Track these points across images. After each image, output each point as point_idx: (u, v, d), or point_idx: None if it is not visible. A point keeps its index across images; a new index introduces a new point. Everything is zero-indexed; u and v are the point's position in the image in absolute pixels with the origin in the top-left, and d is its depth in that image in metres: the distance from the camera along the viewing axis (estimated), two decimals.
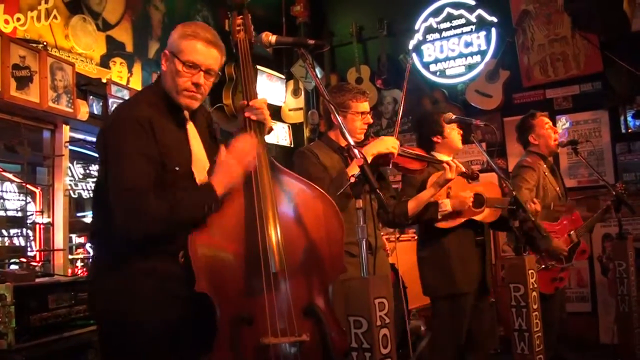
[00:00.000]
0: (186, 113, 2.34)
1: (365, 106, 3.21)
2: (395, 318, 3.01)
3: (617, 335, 3.86)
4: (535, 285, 3.07)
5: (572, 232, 4.10)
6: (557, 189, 4.17)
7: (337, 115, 2.31)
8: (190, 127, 2.34)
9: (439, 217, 3.57)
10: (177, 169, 2.19)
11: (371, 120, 3.26)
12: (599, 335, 5.50)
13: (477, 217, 3.68)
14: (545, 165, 4.21)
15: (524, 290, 3.02)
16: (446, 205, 3.56)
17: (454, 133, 3.83)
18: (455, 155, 3.91)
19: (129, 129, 2.12)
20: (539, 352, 3.04)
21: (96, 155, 4.13)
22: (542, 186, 4.13)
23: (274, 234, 2.16)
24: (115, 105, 4.15)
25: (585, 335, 5.43)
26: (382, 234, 3.55)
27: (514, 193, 3.26)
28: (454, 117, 3.73)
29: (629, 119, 5.74)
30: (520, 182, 4.04)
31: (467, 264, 3.63)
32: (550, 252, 3.97)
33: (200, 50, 2.24)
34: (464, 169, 3.64)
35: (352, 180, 2.08)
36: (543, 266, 4.02)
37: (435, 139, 3.83)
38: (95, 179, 3.69)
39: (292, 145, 7.11)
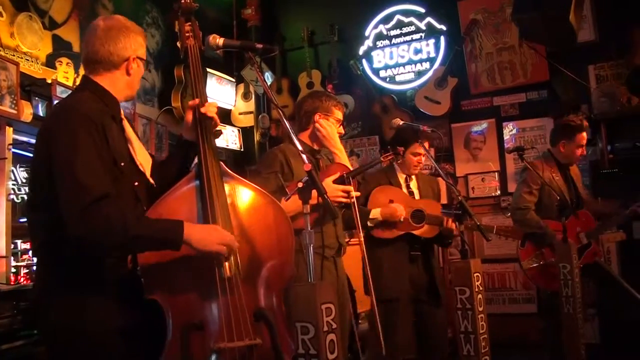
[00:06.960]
0: (122, 111, 2.32)
1: (341, 116, 3.32)
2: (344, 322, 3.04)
3: (563, 336, 3.95)
4: (481, 288, 3.12)
5: (581, 234, 4.23)
6: (564, 193, 4.25)
7: (285, 122, 2.28)
8: (126, 123, 2.31)
9: (369, 224, 3.72)
10: (122, 164, 2.15)
11: (343, 131, 3.37)
12: None
13: (416, 232, 3.84)
14: (558, 170, 4.36)
15: (469, 292, 3.06)
16: (376, 214, 3.72)
17: (412, 159, 3.91)
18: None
19: (83, 128, 2.04)
20: (484, 353, 3.08)
21: None
22: (548, 190, 4.27)
23: None
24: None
25: (530, 336, 5.55)
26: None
27: (460, 198, 3.32)
28: (401, 122, 3.78)
29: None
30: (522, 187, 4.33)
31: (397, 273, 3.81)
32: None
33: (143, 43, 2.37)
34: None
35: (300, 185, 2.08)
36: (542, 262, 4.19)
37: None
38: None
39: (242, 149, 7.06)
